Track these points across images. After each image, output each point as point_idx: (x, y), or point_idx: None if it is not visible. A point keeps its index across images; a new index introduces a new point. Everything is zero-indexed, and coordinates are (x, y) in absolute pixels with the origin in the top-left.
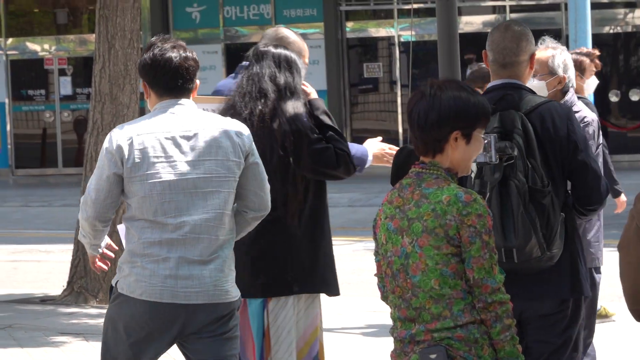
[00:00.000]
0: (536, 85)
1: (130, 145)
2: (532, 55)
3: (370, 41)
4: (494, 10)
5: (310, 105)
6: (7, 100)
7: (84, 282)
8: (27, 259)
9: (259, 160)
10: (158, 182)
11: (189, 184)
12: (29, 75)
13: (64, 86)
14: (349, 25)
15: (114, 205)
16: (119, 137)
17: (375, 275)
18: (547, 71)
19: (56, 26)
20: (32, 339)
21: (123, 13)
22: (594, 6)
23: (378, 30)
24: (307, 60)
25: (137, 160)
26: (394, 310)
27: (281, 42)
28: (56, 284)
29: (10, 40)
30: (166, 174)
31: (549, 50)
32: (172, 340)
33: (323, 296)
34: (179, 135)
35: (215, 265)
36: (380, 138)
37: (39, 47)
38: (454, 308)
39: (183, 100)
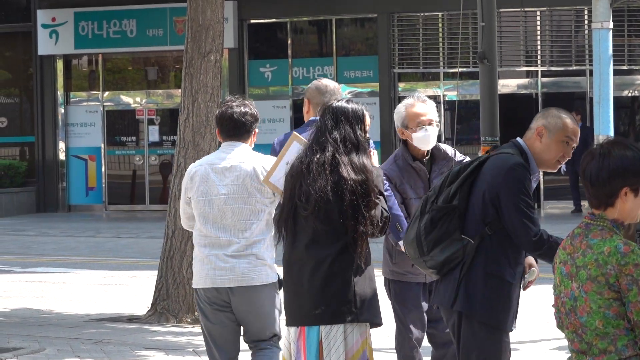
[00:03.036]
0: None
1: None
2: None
3: None
4: (527, 74)
5: None
6: (102, 145)
7: (166, 304)
8: (116, 283)
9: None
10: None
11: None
12: (122, 124)
13: (152, 134)
14: (401, 85)
15: None
16: None
17: (553, 306)
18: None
19: (147, 82)
20: (119, 353)
21: (206, 71)
22: (615, 72)
23: (426, 90)
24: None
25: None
26: (570, 343)
27: (326, 90)
28: (141, 305)
29: (107, 93)
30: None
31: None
32: None
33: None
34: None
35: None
36: None
37: (131, 99)
38: (618, 343)
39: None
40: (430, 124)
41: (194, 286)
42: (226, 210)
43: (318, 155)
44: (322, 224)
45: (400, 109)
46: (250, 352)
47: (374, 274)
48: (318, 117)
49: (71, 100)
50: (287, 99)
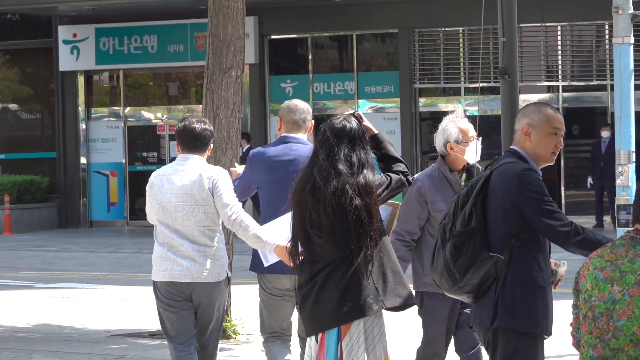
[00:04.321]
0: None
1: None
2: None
3: (440, 115)
4: (548, 89)
5: (375, 139)
6: (124, 161)
7: None
8: (138, 299)
9: (222, 194)
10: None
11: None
12: (143, 140)
13: (174, 149)
14: (422, 100)
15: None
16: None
17: (570, 325)
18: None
19: (168, 97)
20: None
21: (227, 87)
22: (637, 87)
23: (447, 105)
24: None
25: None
26: (588, 349)
27: (296, 108)
28: None
29: (128, 109)
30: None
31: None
32: None
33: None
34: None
35: None
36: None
37: (152, 115)
38: None
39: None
40: (475, 138)
41: (153, 279)
42: (176, 217)
43: (321, 181)
44: (337, 249)
45: (449, 126)
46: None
47: (392, 250)
48: (313, 139)
49: (92, 116)
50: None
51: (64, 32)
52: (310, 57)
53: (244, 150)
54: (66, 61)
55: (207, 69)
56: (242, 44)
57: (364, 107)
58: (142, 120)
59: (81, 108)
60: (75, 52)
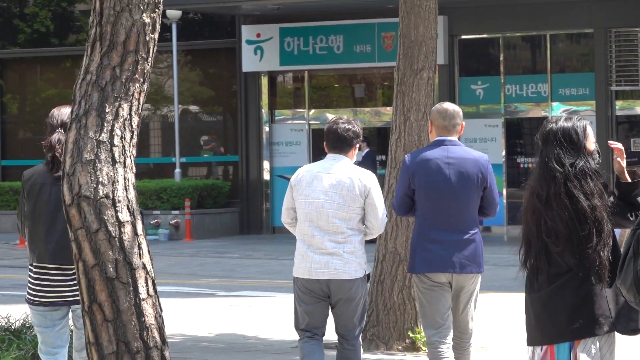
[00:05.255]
0: None
1: None
2: None
3: (638, 118)
4: None
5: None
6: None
7: (376, 330)
8: None
9: (375, 201)
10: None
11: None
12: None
13: (359, 153)
14: (618, 103)
15: None
16: None
17: None
18: None
19: (353, 99)
20: None
21: (418, 89)
22: None
23: None
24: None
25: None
26: None
27: (446, 113)
28: None
29: (312, 111)
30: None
31: None
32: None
33: None
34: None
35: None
36: None
37: None
38: None
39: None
40: None
41: (294, 274)
42: (321, 214)
43: (552, 187)
44: (573, 258)
45: None
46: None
47: None
48: (537, 140)
49: (276, 118)
50: (499, 117)
51: (247, 31)
52: (501, 57)
53: (363, 154)
54: (249, 62)
55: (397, 70)
56: (434, 45)
57: (558, 110)
58: (327, 123)
59: (264, 110)
60: (259, 53)
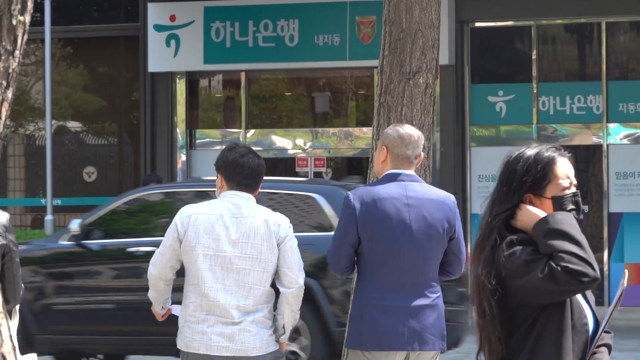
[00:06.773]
0: None
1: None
2: None
3: None
4: None
5: None
6: None
7: None
8: None
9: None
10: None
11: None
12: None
13: None
14: None
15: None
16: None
17: None
18: None
19: (313, 115)
20: None
21: (411, 101)
22: None
23: None
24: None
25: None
26: None
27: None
28: None
29: (251, 132)
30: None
31: None
32: None
33: None
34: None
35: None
36: None
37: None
38: None
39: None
40: None
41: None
42: (230, 270)
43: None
44: None
45: None
46: None
47: None
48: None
49: (197, 142)
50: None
51: (156, 12)
52: (533, 56)
53: None
54: (159, 57)
55: (380, 73)
56: (434, 36)
57: (616, 134)
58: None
59: (179, 130)
60: (173, 44)
